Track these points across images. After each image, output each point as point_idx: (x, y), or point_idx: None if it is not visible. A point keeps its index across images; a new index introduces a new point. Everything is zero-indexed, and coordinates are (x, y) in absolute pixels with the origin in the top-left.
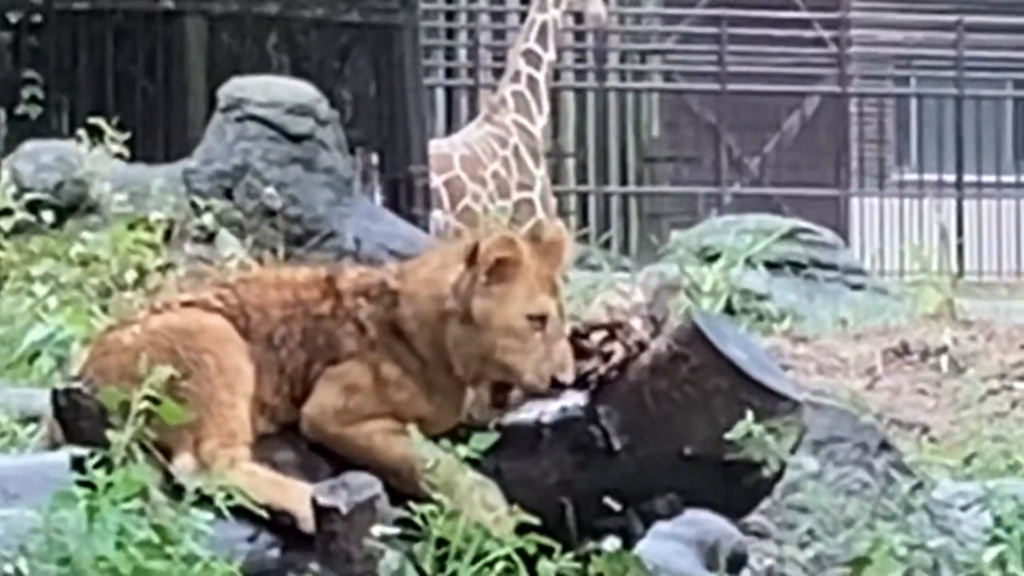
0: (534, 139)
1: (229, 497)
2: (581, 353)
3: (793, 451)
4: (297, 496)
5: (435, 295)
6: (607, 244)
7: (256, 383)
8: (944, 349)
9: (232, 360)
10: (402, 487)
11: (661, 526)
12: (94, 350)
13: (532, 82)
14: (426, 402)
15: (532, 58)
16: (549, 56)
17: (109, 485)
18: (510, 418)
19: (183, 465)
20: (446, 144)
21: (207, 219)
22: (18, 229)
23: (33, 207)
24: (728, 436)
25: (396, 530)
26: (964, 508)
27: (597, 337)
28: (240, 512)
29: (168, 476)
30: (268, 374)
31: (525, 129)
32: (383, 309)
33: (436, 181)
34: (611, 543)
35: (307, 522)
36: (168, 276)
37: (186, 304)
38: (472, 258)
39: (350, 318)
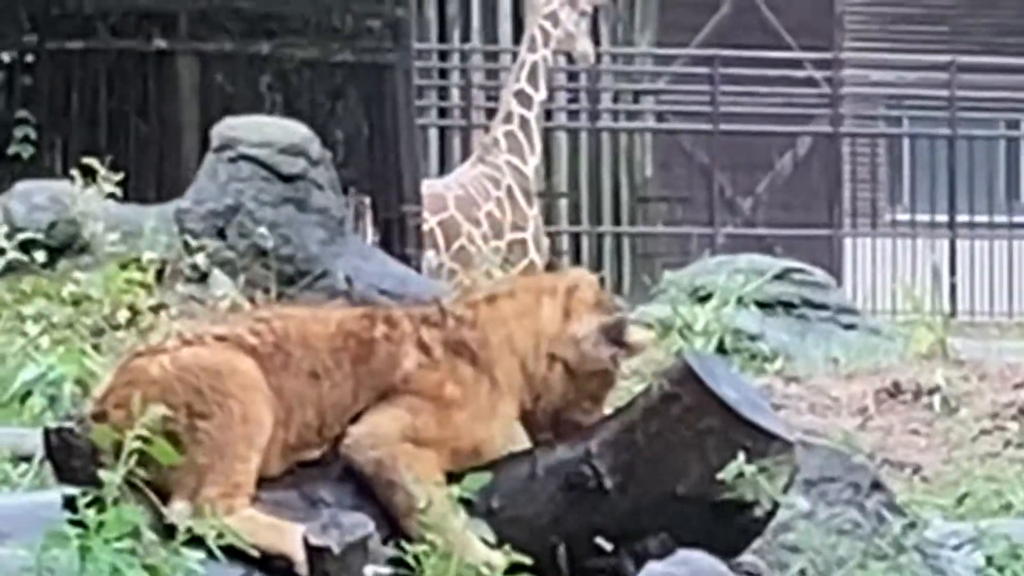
0: (527, 179)
1: (220, 536)
2: None
3: (785, 491)
4: (293, 539)
5: (533, 332)
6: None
7: (286, 421)
8: (936, 389)
9: (256, 411)
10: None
11: (653, 566)
12: (119, 376)
13: (524, 122)
14: (486, 426)
15: (523, 99)
16: (540, 96)
17: (101, 524)
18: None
19: (180, 510)
20: (440, 184)
21: (200, 259)
22: (10, 268)
23: (25, 247)
24: (720, 476)
25: (389, 570)
26: (956, 548)
27: None
28: (232, 552)
29: (160, 516)
30: (302, 409)
31: (518, 169)
32: (448, 332)
33: (431, 221)
34: None
35: (303, 566)
36: (160, 316)
37: (219, 338)
38: (610, 332)
39: (410, 340)
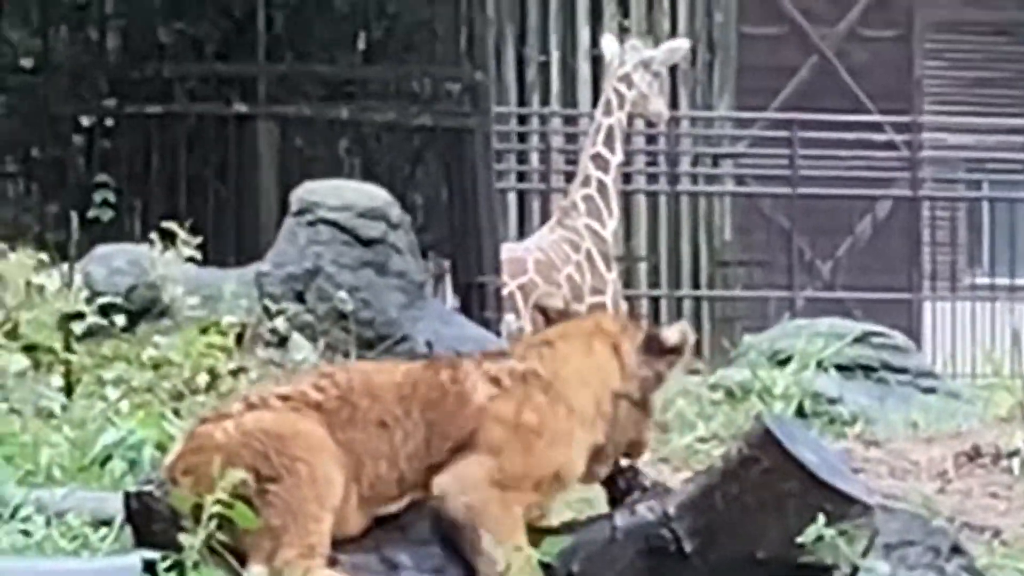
0: (605, 243)
1: None
2: None
3: (865, 554)
4: None
5: (596, 371)
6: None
7: (357, 476)
8: (1016, 452)
9: (324, 470)
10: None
11: None
12: (187, 444)
13: (602, 186)
14: (565, 451)
15: (600, 162)
16: (617, 159)
17: None
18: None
19: (257, 573)
20: (520, 248)
21: (279, 323)
22: (90, 333)
23: (105, 311)
24: (800, 539)
25: None
26: None
27: None
28: None
29: None
30: (374, 462)
31: (597, 233)
32: (515, 364)
33: (511, 285)
34: None
35: None
36: (240, 380)
37: (283, 397)
38: (651, 347)
39: (476, 376)
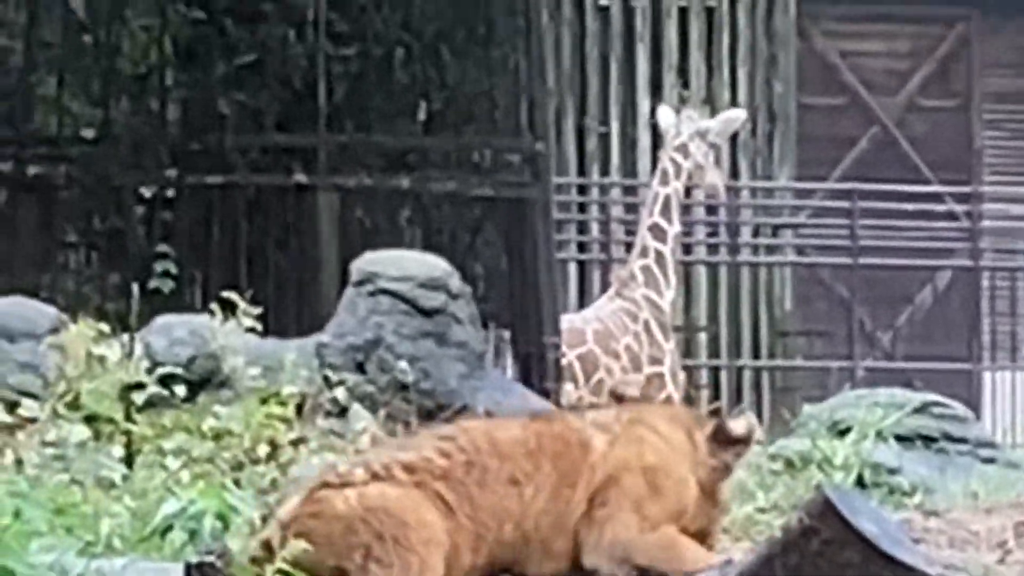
0: (663, 313)
1: None
2: None
3: None
4: None
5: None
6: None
7: (476, 547)
8: None
9: (433, 565)
10: None
11: None
12: (305, 506)
13: (659, 256)
14: (689, 485)
15: (658, 232)
16: (674, 229)
17: None
18: None
19: None
20: (579, 319)
21: (339, 393)
22: (151, 403)
23: (166, 381)
24: None
25: None
26: None
27: None
28: None
29: None
30: (498, 525)
31: (655, 303)
32: (618, 413)
33: (570, 355)
34: None
35: None
36: (300, 450)
37: (408, 468)
38: (719, 439)
39: (589, 423)
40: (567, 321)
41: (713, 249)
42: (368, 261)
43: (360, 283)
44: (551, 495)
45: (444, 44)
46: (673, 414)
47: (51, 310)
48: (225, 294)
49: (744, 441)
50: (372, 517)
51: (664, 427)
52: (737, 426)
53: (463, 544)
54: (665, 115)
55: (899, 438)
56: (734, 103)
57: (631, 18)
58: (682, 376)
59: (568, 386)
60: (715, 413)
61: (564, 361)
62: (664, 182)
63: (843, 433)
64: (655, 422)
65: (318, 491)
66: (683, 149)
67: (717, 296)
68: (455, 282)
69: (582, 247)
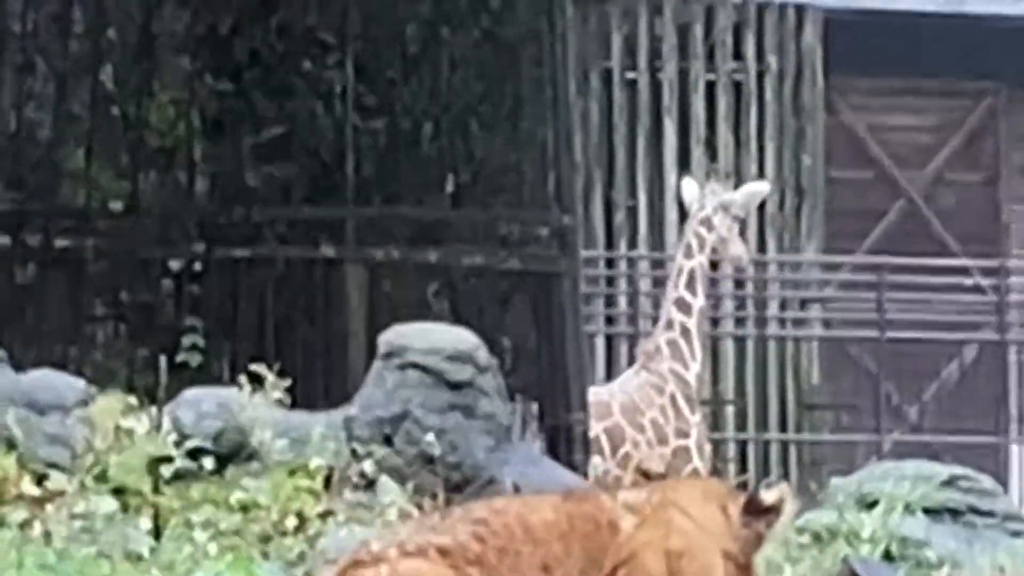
0: (689, 386)
1: None
2: None
3: None
4: None
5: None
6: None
7: None
8: None
9: None
10: None
11: None
12: None
13: (685, 330)
14: (718, 570)
15: (683, 305)
16: (699, 302)
17: None
18: None
19: None
20: (605, 391)
21: (367, 466)
22: (179, 476)
23: (194, 454)
24: None
25: None
26: None
27: None
28: None
29: None
30: None
31: (681, 377)
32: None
33: (596, 428)
34: None
35: None
36: (328, 523)
37: (442, 551)
38: (751, 509)
39: (619, 504)
40: (593, 394)
41: (740, 322)
42: (396, 334)
43: (388, 356)
44: None
45: (472, 117)
46: (706, 489)
47: (79, 383)
48: (253, 367)
49: (776, 510)
50: None
51: (696, 508)
52: (768, 495)
53: None
54: (689, 188)
55: (927, 511)
56: (761, 176)
57: (658, 91)
58: (709, 449)
59: (595, 459)
60: (743, 486)
61: (591, 434)
62: (688, 255)
63: (871, 506)
64: (686, 504)
65: (351, 569)
66: (707, 222)
67: (744, 369)
68: (482, 355)
69: (610, 320)
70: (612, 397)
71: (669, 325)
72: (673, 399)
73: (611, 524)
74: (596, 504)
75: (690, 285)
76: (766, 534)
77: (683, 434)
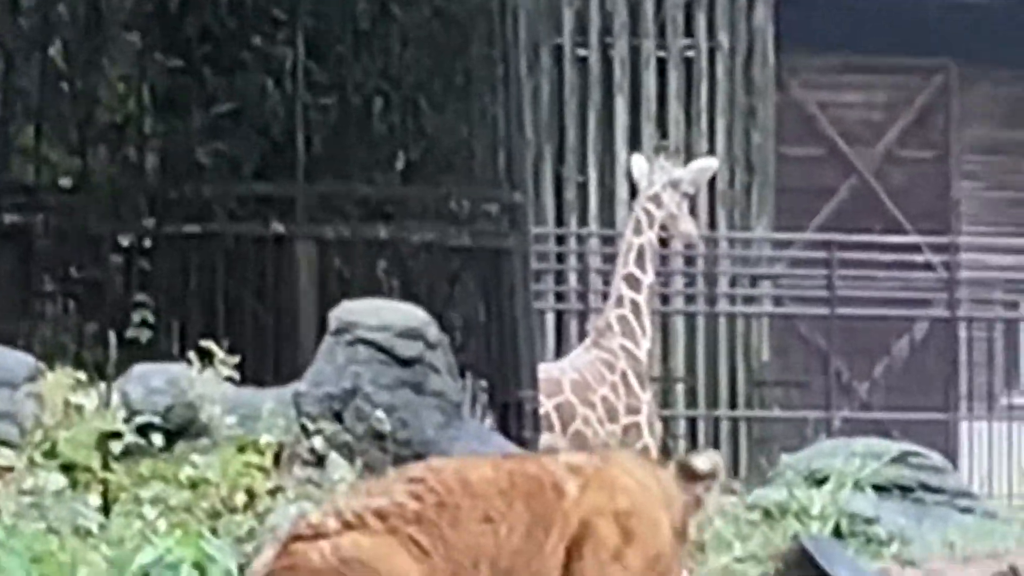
0: (640, 363)
1: None
2: None
3: None
4: None
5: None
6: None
7: None
8: None
9: None
10: None
11: None
12: (280, 559)
13: (635, 306)
14: (666, 531)
15: (633, 282)
16: (649, 279)
17: None
18: None
19: None
20: (556, 369)
21: (317, 442)
22: (128, 452)
23: (143, 430)
24: None
25: None
26: None
27: None
28: None
29: None
30: (475, 567)
31: (631, 353)
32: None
33: (547, 405)
34: None
35: None
36: (278, 499)
37: (380, 515)
38: (685, 475)
39: (562, 465)
40: (544, 371)
41: (691, 300)
42: (346, 310)
43: (338, 332)
44: (525, 535)
45: (422, 94)
46: (639, 457)
47: (28, 359)
48: (203, 343)
49: (710, 477)
50: (347, 570)
51: (636, 469)
52: (701, 462)
53: None
54: (639, 165)
55: (876, 488)
56: (711, 153)
57: (609, 68)
58: (659, 426)
59: (545, 436)
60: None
61: (541, 411)
62: (638, 232)
63: (820, 483)
64: (627, 465)
65: (291, 544)
66: (656, 199)
67: (694, 346)
68: (433, 332)
69: (560, 297)
70: (563, 374)
71: (619, 302)
72: (624, 376)
73: (555, 486)
74: (538, 465)
75: (640, 262)
76: (703, 499)
77: (634, 411)
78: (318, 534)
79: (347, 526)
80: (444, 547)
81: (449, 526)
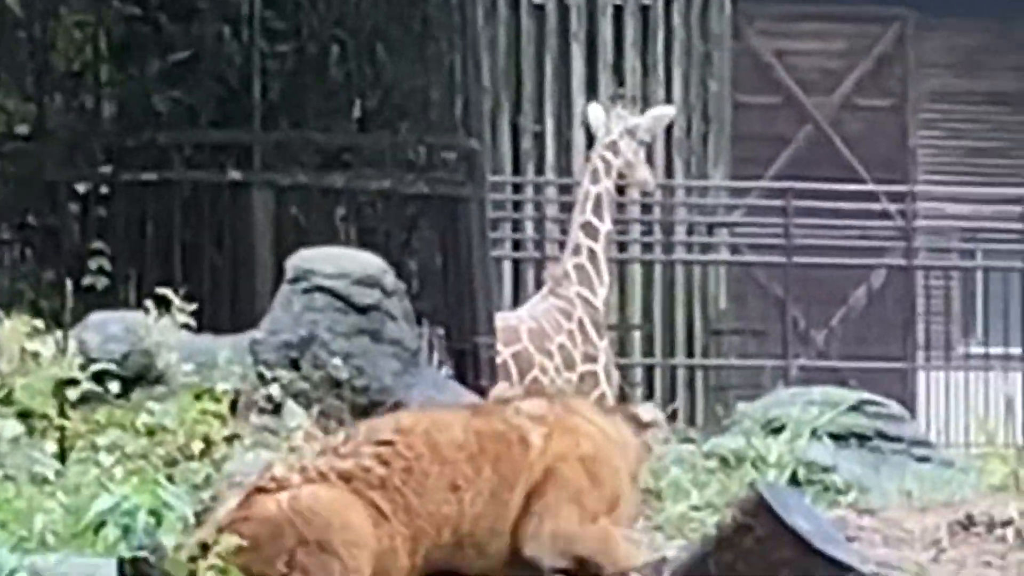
0: (597, 311)
1: None
2: None
3: None
4: None
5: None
6: (673, 416)
7: (414, 551)
8: (1010, 521)
9: (357, 568)
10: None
11: None
12: (241, 507)
13: (592, 254)
14: (622, 475)
15: (590, 230)
16: (606, 227)
17: None
18: None
19: None
20: (513, 317)
21: (273, 390)
22: (85, 399)
23: (99, 377)
24: None
25: None
26: None
27: None
28: None
29: None
30: (437, 531)
31: (588, 302)
32: (551, 403)
33: (504, 353)
34: None
35: None
36: (234, 446)
37: (345, 477)
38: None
39: (525, 416)
40: (501, 319)
41: (647, 247)
42: (303, 258)
43: (295, 280)
44: (490, 499)
45: (379, 42)
46: (595, 404)
47: None
48: (159, 291)
49: (652, 426)
50: (299, 519)
51: (595, 416)
52: (644, 412)
53: (400, 548)
54: (595, 113)
55: (833, 436)
56: (669, 101)
57: (566, 17)
58: (616, 374)
59: (502, 384)
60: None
61: (498, 359)
62: (595, 180)
63: (777, 431)
64: (587, 412)
65: (255, 495)
66: (613, 147)
67: (651, 294)
68: (389, 279)
69: (517, 245)
70: (520, 322)
71: (576, 250)
72: (581, 324)
73: (522, 440)
74: (503, 420)
75: (597, 210)
76: (652, 446)
77: (591, 359)
78: (280, 487)
79: (309, 481)
80: (406, 514)
81: (414, 493)
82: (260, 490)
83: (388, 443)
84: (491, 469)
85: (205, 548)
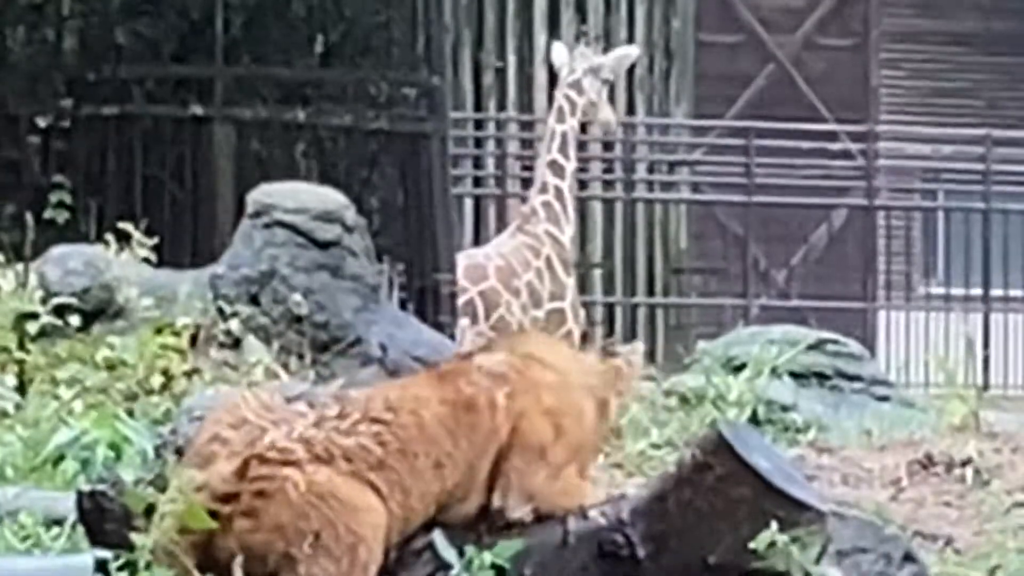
0: (564, 249)
1: None
2: None
3: (817, 561)
4: None
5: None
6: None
7: (405, 517)
8: (969, 461)
9: (376, 550)
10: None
11: None
12: (251, 482)
13: (559, 192)
14: (589, 422)
15: (556, 169)
16: (572, 165)
17: None
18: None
19: None
20: (481, 254)
21: (233, 324)
22: (44, 333)
23: (60, 311)
24: (752, 545)
25: None
26: None
27: None
28: None
29: None
30: (424, 506)
31: (556, 239)
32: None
33: (472, 291)
34: None
35: None
36: (194, 381)
37: (347, 458)
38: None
39: (485, 374)
40: (469, 257)
41: (608, 185)
42: (264, 193)
43: (255, 215)
44: (467, 470)
45: None
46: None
47: None
48: (120, 225)
49: (632, 365)
50: (324, 505)
51: (553, 356)
52: (623, 350)
53: (392, 529)
54: (559, 52)
55: (793, 375)
56: (631, 40)
57: None
58: (583, 312)
59: (464, 321)
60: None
61: (466, 297)
62: (560, 119)
63: (737, 370)
64: (544, 355)
65: (254, 463)
66: (577, 86)
67: (612, 233)
68: (350, 215)
69: (478, 182)
70: (488, 260)
71: (543, 188)
72: (549, 261)
73: (490, 404)
74: (470, 382)
75: (563, 148)
76: (626, 370)
77: (558, 297)
78: (285, 461)
79: (317, 459)
80: (401, 494)
81: (408, 474)
82: (260, 459)
83: (383, 422)
84: (467, 442)
85: (227, 517)
